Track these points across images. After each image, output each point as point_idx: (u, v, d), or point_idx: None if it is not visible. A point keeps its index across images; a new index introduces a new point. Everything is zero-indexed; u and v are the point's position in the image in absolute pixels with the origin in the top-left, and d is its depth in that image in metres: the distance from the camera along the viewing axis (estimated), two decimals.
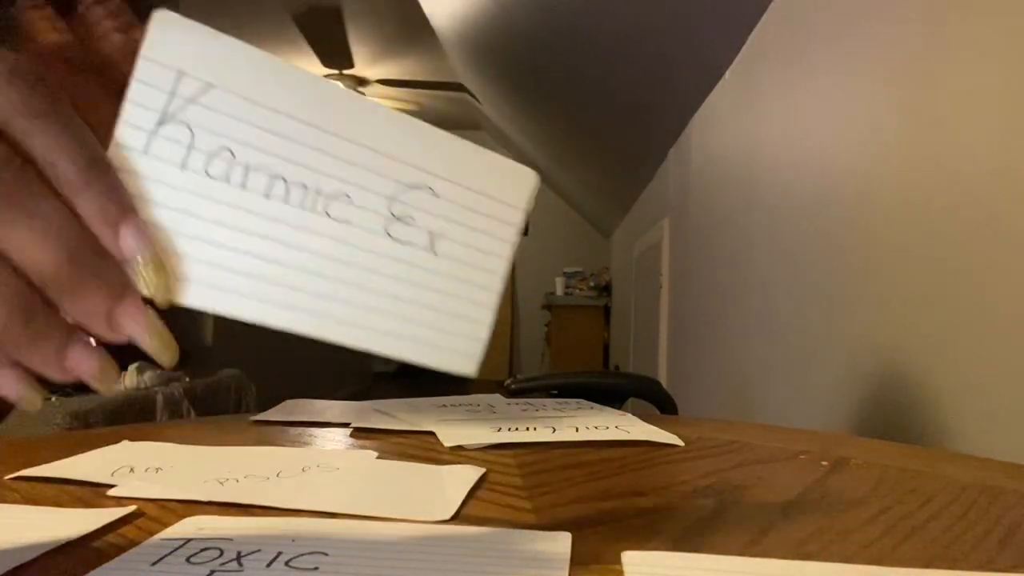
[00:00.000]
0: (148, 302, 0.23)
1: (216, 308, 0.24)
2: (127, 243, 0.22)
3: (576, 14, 2.47)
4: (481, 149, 0.27)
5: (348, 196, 0.25)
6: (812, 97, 1.49)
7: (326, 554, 0.25)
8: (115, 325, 0.22)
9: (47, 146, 0.21)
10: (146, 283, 0.23)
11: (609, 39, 2.47)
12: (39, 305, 0.22)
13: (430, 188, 0.26)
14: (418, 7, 3.54)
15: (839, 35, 1.34)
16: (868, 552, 0.28)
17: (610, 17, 2.30)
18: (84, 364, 0.22)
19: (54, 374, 0.22)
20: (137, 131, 0.23)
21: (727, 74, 2.16)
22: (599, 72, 2.84)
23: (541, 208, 6.63)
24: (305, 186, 0.24)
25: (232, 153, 0.23)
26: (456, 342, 0.27)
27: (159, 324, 0.23)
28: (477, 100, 5.13)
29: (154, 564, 0.24)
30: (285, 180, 0.24)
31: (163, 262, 0.23)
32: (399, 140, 0.25)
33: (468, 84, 4.83)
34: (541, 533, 0.29)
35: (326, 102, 0.24)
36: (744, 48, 1.97)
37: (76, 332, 0.22)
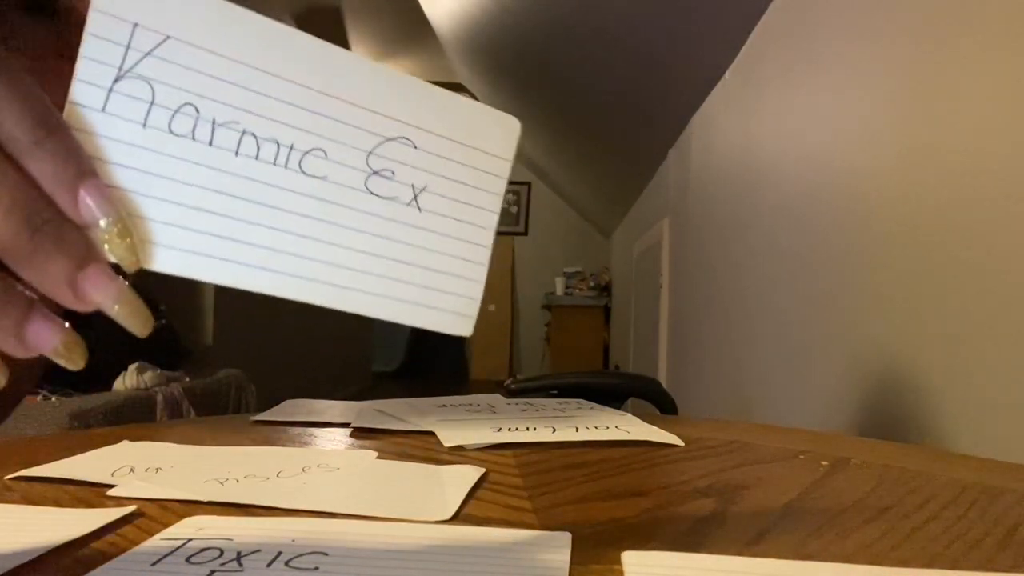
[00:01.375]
0: (116, 269, 0.22)
1: (187, 272, 0.22)
2: (86, 206, 0.21)
3: (576, 14, 2.46)
4: (461, 98, 0.25)
5: (323, 151, 0.23)
6: (812, 97, 1.49)
7: (326, 554, 0.25)
8: (80, 293, 0.21)
9: None
10: (111, 248, 0.21)
11: (609, 39, 2.47)
12: None
13: (409, 140, 0.24)
14: (418, 7, 3.54)
15: (839, 35, 1.34)
16: (868, 552, 0.28)
17: (610, 17, 2.30)
18: (46, 338, 0.21)
19: (13, 349, 0.21)
20: (93, 88, 0.21)
21: (727, 74, 2.16)
22: (599, 72, 2.84)
23: (541, 208, 6.64)
24: (277, 142, 0.23)
25: (196, 109, 0.22)
26: (449, 302, 0.25)
27: (128, 291, 0.22)
28: (477, 100, 5.13)
29: (154, 564, 0.24)
30: (255, 136, 0.23)
31: (128, 225, 0.21)
32: (374, 90, 0.24)
33: (468, 84, 4.83)
34: (541, 533, 0.29)
35: (295, 52, 0.23)
36: (744, 48, 1.97)
37: (36, 304, 0.21)
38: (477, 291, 0.26)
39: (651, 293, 3.53)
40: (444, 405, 0.62)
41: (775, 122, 1.72)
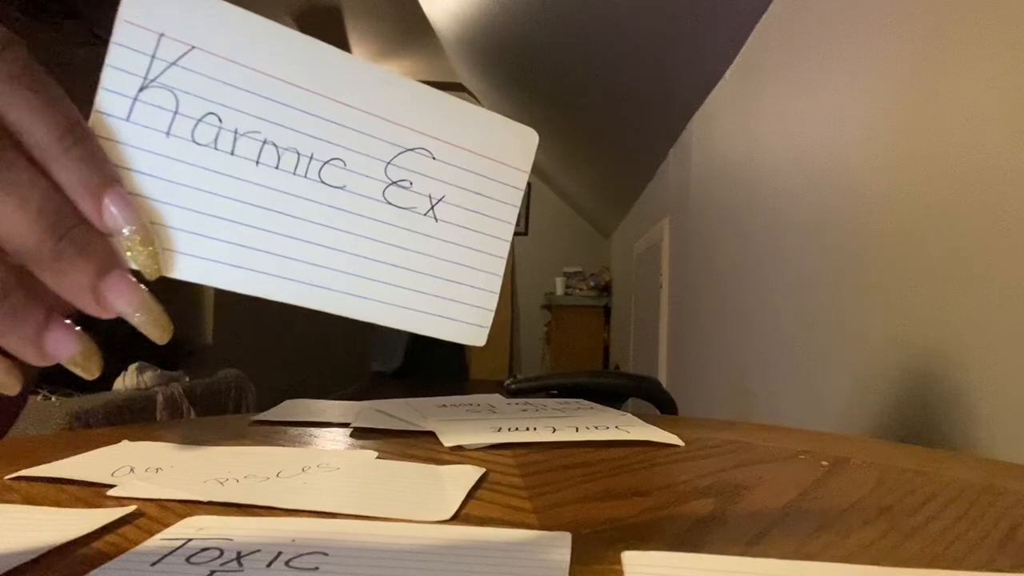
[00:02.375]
0: (137, 276, 0.22)
1: (206, 280, 0.23)
2: (110, 214, 0.21)
3: (576, 14, 2.46)
4: (479, 109, 0.25)
5: (342, 161, 0.24)
6: (812, 96, 1.49)
7: (326, 554, 0.25)
8: (101, 300, 0.21)
9: (21, 111, 0.20)
10: (133, 256, 0.21)
11: (609, 39, 2.47)
12: (16, 282, 0.20)
13: (427, 151, 0.25)
14: (418, 7, 3.54)
15: (839, 34, 1.34)
16: (868, 552, 0.28)
17: (610, 17, 2.30)
18: (64, 347, 0.21)
19: (32, 357, 0.21)
20: (118, 97, 0.22)
21: (727, 74, 2.16)
22: (599, 72, 2.84)
23: (541, 208, 6.63)
24: (297, 151, 0.23)
25: (219, 118, 0.22)
26: (463, 312, 0.25)
27: (149, 299, 0.22)
28: (477, 100, 5.13)
29: (154, 564, 0.24)
30: (276, 145, 0.23)
31: (150, 233, 0.22)
32: (393, 101, 0.24)
33: (468, 84, 4.83)
34: (541, 533, 0.29)
35: (315, 62, 0.23)
36: (744, 48, 1.97)
37: (56, 313, 0.21)
38: (491, 302, 0.26)
39: (651, 293, 3.53)
40: (444, 405, 0.62)
41: (775, 121, 1.72)
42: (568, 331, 5.73)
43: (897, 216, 1.09)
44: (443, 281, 0.25)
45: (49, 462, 0.39)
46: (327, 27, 4.20)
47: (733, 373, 2.04)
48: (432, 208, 0.25)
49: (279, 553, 0.25)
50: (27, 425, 1.53)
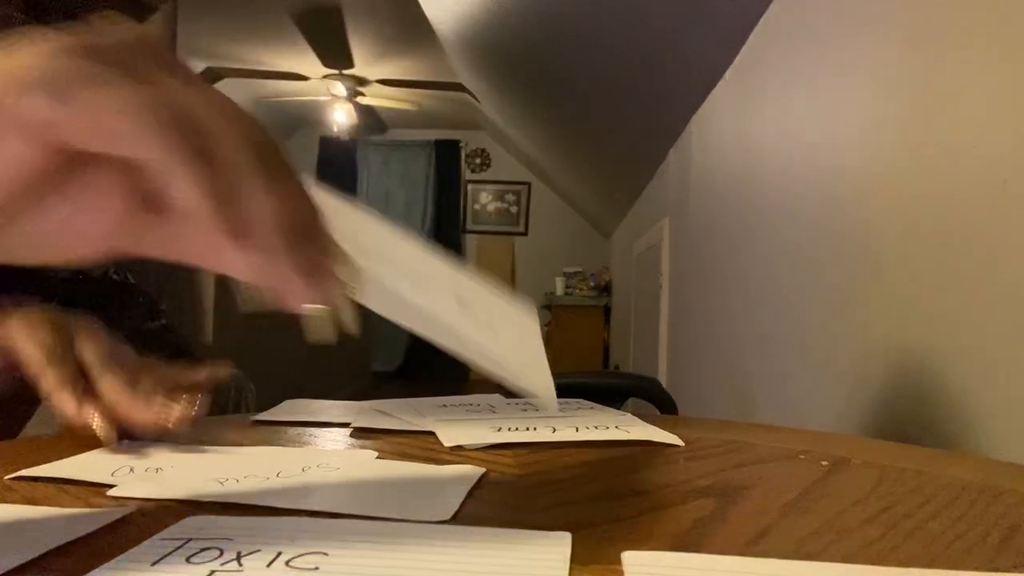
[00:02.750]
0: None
1: (373, 308, 0.30)
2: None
3: (576, 14, 2.47)
4: (492, 286, 0.38)
5: (426, 285, 0.33)
6: (812, 96, 1.49)
7: (326, 554, 0.25)
8: (328, 285, 0.26)
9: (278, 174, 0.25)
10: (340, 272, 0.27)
11: (609, 39, 2.47)
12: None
13: (471, 298, 0.34)
14: (418, 7, 3.54)
15: (838, 34, 1.34)
16: (868, 552, 0.28)
17: (610, 17, 2.30)
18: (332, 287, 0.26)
19: (319, 279, 0.25)
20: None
21: (727, 74, 2.16)
22: (599, 72, 2.84)
23: (541, 208, 6.64)
24: (405, 273, 0.32)
25: (358, 240, 0.31)
26: (532, 386, 0.33)
27: (342, 301, 0.27)
28: (477, 100, 5.13)
29: (154, 564, 0.24)
30: (396, 271, 0.32)
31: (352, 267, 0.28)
32: (448, 268, 0.35)
33: (468, 84, 4.83)
34: (541, 533, 0.29)
35: (410, 240, 0.35)
36: (744, 48, 1.97)
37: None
38: (549, 383, 0.35)
39: (651, 293, 3.53)
40: (444, 405, 0.63)
41: (775, 121, 1.72)
42: (568, 331, 5.73)
43: (897, 216, 1.09)
44: (514, 363, 0.33)
45: (49, 462, 0.39)
46: (327, 27, 4.20)
47: (733, 373, 2.04)
48: (489, 322, 0.34)
49: (279, 553, 0.25)
50: (27, 425, 1.53)
